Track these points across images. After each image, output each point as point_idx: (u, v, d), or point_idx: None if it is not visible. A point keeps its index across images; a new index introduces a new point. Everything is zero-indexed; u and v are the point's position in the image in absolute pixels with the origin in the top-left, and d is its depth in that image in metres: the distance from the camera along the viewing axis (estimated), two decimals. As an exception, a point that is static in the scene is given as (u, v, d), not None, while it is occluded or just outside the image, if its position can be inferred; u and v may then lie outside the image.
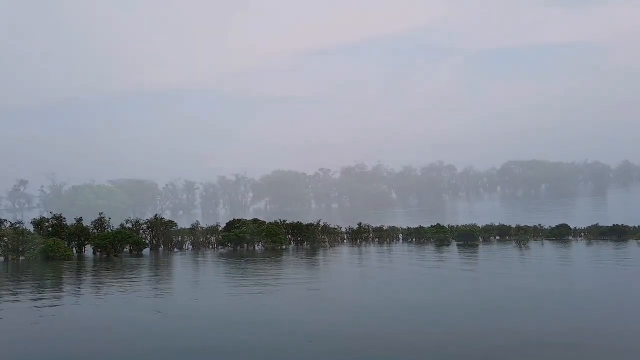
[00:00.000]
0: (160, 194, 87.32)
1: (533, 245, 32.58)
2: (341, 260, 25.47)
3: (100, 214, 32.33)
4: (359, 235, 34.41)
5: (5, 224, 47.26)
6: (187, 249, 30.79)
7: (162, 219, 31.31)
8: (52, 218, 29.06)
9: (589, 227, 38.29)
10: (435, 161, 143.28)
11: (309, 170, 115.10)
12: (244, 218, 33.43)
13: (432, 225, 35.53)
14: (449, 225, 37.49)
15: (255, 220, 32.06)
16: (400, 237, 35.87)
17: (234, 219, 32.02)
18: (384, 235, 35.03)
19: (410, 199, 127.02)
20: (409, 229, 36.69)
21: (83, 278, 20.40)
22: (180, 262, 25.51)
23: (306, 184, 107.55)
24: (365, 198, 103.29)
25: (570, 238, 37.49)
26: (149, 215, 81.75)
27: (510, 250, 29.15)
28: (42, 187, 71.59)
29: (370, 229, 35.46)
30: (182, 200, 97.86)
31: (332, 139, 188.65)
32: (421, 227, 35.16)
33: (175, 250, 30.67)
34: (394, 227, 37.42)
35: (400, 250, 30.71)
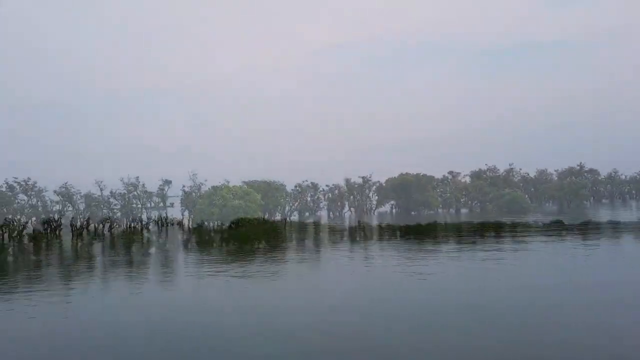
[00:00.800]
0: (289, 195, 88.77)
1: None
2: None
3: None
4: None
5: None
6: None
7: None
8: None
9: None
10: (574, 165, 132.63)
11: (436, 172, 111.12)
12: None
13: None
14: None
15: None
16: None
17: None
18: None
19: (547, 205, 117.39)
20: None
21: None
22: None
23: (433, 188, 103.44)
24: (498, 203, 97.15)
25: None
26: (278, 216, 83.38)
27: None
28: (184, 186, 75.52)
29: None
30: (307, 201, 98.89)
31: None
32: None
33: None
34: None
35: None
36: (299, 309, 19.75)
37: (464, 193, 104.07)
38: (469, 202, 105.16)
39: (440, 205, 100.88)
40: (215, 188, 70.11)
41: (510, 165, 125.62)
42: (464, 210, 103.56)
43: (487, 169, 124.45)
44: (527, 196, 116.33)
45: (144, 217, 75.80)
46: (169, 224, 78.28)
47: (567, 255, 33.41)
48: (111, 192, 75.03)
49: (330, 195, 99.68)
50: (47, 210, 66.49)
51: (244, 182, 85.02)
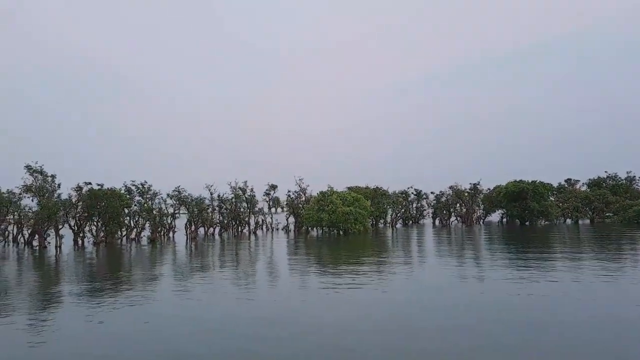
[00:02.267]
0: (394, 201, 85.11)
1: None
2: None
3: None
4: None
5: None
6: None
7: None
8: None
9: None
10: None
11: (552, 178, 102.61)
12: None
13: None
14: None
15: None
16: None
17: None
18: None
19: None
20: None
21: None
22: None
23: (549, 196, 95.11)
24: (626, 214, 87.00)
25: None
26: (381, 224, 79.69)
27: None
28: (289, 191, 74.35)
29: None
30: (411, 209, 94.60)
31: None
32: None
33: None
34: None
35: None
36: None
37: (585, 202, 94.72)
38: (590, 212, 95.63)
39: (559, 216, 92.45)
40: (323, 193, 68.13)
41: (628, 173, 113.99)
42: (584, 222, 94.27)
43: (607, 177, 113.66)
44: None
45: (252, 221, 75.60)
46: (275, 229, 77.69)
47: None
48: (219, 196, 75.48)
49: (435, 203, 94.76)
50: (162, 213, 67.80)
51: (348, 187, 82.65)
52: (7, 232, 61.64)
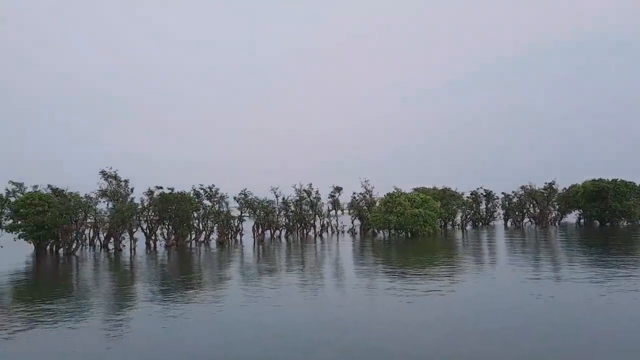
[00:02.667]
0: (464, 203, 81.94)
1: None
2: None
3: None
4: None
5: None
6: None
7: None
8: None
9: None
10: None
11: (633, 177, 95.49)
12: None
13: None
14: None
15: None
16: None
17: None
18: None
19: None
20: None
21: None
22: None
23: (631, 196, 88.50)
24: None
25: None
26: (449, 225, 76.72)
27: None
28: (354, 193, 73.12)
29: None
30: (481, 210, 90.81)
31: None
32: None
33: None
34: None
35: None
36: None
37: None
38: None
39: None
40: (390, 195, 66.36)
41: None
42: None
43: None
44: None
45: (317, 224, 74.90)
46: (340, 231, 76.59)
47: None
48: (284, 199, 75.31)
49: (507, 204, 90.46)
50: (229, 216, 68.39)
51: (415, 189, 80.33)
52: (84, 236, 64.00)
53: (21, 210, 51.94)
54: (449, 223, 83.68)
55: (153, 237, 61.48)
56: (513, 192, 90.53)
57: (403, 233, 65.26)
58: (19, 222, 52.02)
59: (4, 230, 53.38)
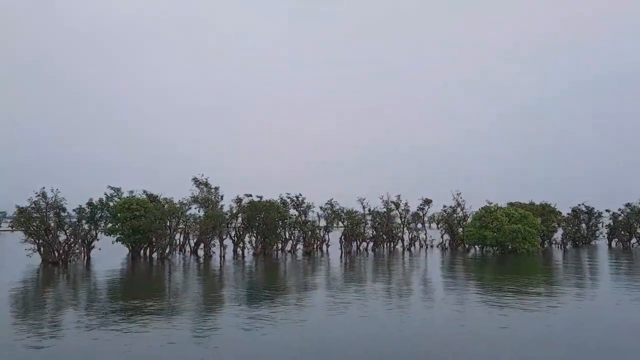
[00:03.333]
0: (564, 219, 75.92)
1: None
2: None
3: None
4: None
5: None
6: None
7: None
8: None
9: None
10: None
11: None
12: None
13: None
14: None
15: None
16: None
17: None
18: None
19: None
20: None
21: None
22: None
23: None
24: None
25: None
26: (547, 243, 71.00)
27: None
28: (445, 206, 69.86)
29: None
30: (582, 228, 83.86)
31: None
32: None
33: None
34: None
35: None
36: None
37: None
38: None
39: None
40: (486, 209, 62.37)
41: None
42: None
43: None
44: None
45: (405, 237, 72.01)
46: (429, 246, 73.15)
47: None
48: (370, 210, 73.09)
49: (612, 223, 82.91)
50: (315, 226, 67.28)
51: (510, 203, 75.39)
52: (175, 241, 65.16)
53: (119, 214, 53.43)
54: (547, 241, 77.76)
55: (241, 245, 61.46)
56: (619, 209, 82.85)
57: (499, 250, 61.01)
58: (117, 226, 53.50)
59: (103, 233, 55.19)
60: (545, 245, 76.96)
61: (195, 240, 62.47)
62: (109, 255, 54.51)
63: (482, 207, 64.40)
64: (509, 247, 59.45)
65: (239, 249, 61.03)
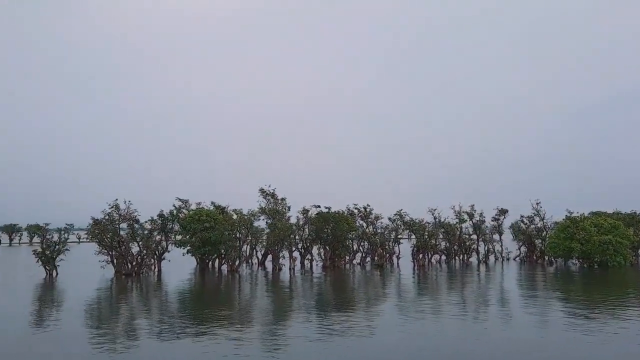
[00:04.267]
0: (655, 230, 69.53)
1: None
2: None
3: None
4: None
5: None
6: None
7: None
8: None
9: None
10: None
11: None
12: None
13: None
14: None
15: None
16: None
17: None
18: None
19: None
20: None
21: None
22: None
23: None
24: None
25: None
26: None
27: None
28: (522, 216, 65.77)
29: None
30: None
31: None
32: None
33: None
34: None
35: None
36: None
37: None
38: None
39: None
40: (572, 219, 57.75)
41: None
42: None
43: None
44: None
45: (480, 249, 68.03)
46: (506, 258, 68.75)
47: None
48: (441, 222, 69.65)
49: None
50: (384, 238, 64.67)
51: (593, 212, 70.01)
52: (242, 253, 64.04)
53: (189, 225, 53.00)
54: (632, 254, 71.55)
55: (309, 257, 59.74)
56: None
57: (586, 263, 56.19)
58: (188, 237, 53.06)
59: (173, 245, 54.86)
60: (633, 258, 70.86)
61: (262, 252, 61.30)
62: (178, 267, 54.13)
63: (566, 217, 59.72)
64: (596, 260, 54.65)
65: (306, 261, 59.33)
